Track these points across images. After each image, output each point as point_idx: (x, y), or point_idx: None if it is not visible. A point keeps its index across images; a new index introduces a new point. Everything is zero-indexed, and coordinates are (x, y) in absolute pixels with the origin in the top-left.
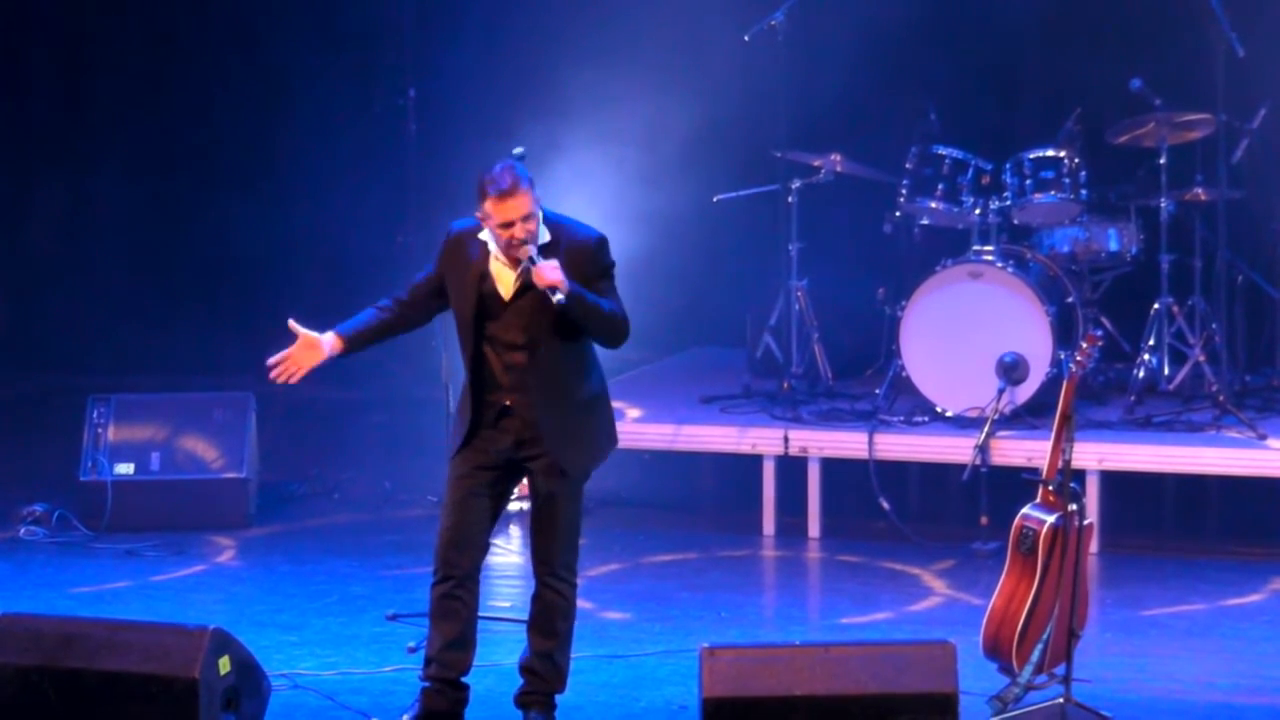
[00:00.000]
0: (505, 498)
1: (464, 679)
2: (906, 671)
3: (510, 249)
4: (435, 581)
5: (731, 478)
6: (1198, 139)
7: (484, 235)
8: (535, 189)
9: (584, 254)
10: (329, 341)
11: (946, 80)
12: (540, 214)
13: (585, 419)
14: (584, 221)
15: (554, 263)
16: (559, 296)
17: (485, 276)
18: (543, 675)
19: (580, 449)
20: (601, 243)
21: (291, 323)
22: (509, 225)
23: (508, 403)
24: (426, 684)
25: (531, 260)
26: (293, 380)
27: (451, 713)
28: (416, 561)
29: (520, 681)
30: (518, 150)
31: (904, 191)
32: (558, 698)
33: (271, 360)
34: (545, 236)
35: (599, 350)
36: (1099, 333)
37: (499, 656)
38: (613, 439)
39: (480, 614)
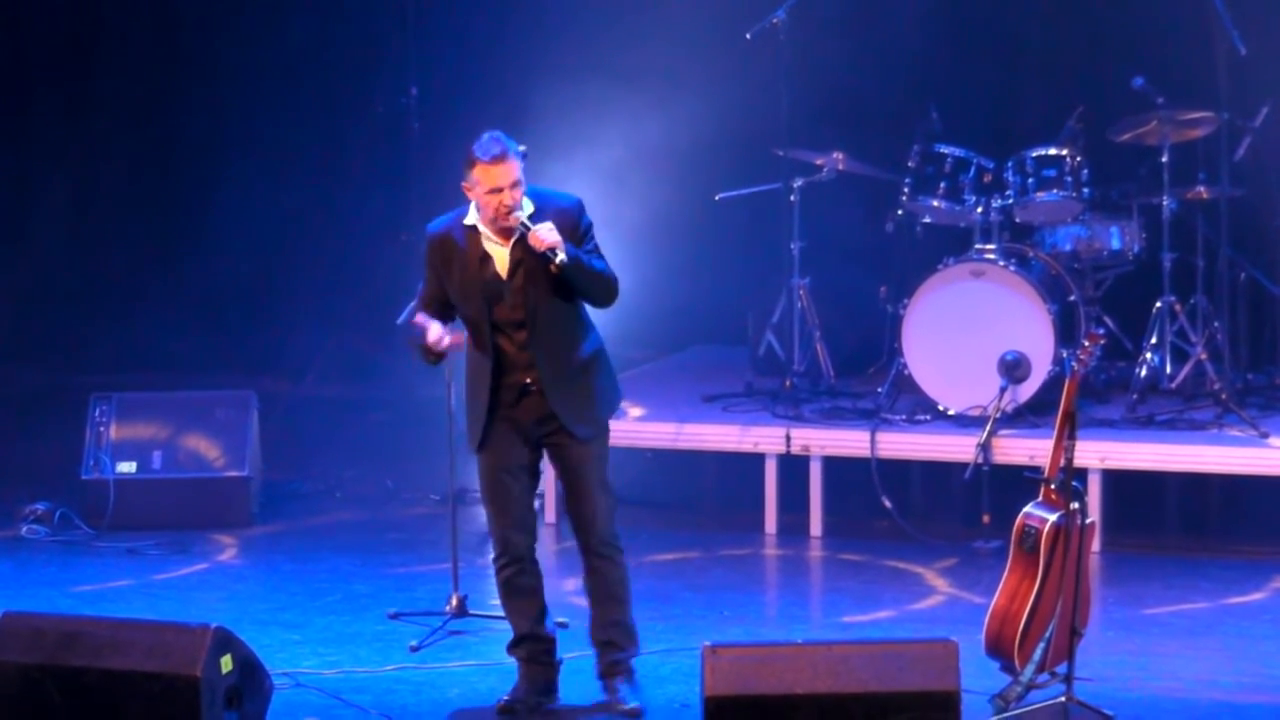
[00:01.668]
0: (538, 474)
1: (556, 642)
2: (908, 670)
3: (499, 218)
4: (502, 565)
5: (733, 476)
6: (1200, 137)
7: (469, 219)
8: (523, 160)
9: (568, 219)
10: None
11: (948, 78)
12: (525, 185)
13: (586, 379)
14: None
15: (549, 224)
16: (561, 257)
17: (485, 260)
18: (618, 643)
19: (586, 409)
20: (580, 206)
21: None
22: (497, 191)
23: (528, 380)
24: (527, 659)
25: (525, 226)
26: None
27: (551, 685)
28: (419, 560)
29: (595, 653)
30: (521, 148)
31: (906, 190)
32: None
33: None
34: (529, 208)
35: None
36: (1101, 331)
37: (499, 656)
38: (617, 393)
39: (479, 613)
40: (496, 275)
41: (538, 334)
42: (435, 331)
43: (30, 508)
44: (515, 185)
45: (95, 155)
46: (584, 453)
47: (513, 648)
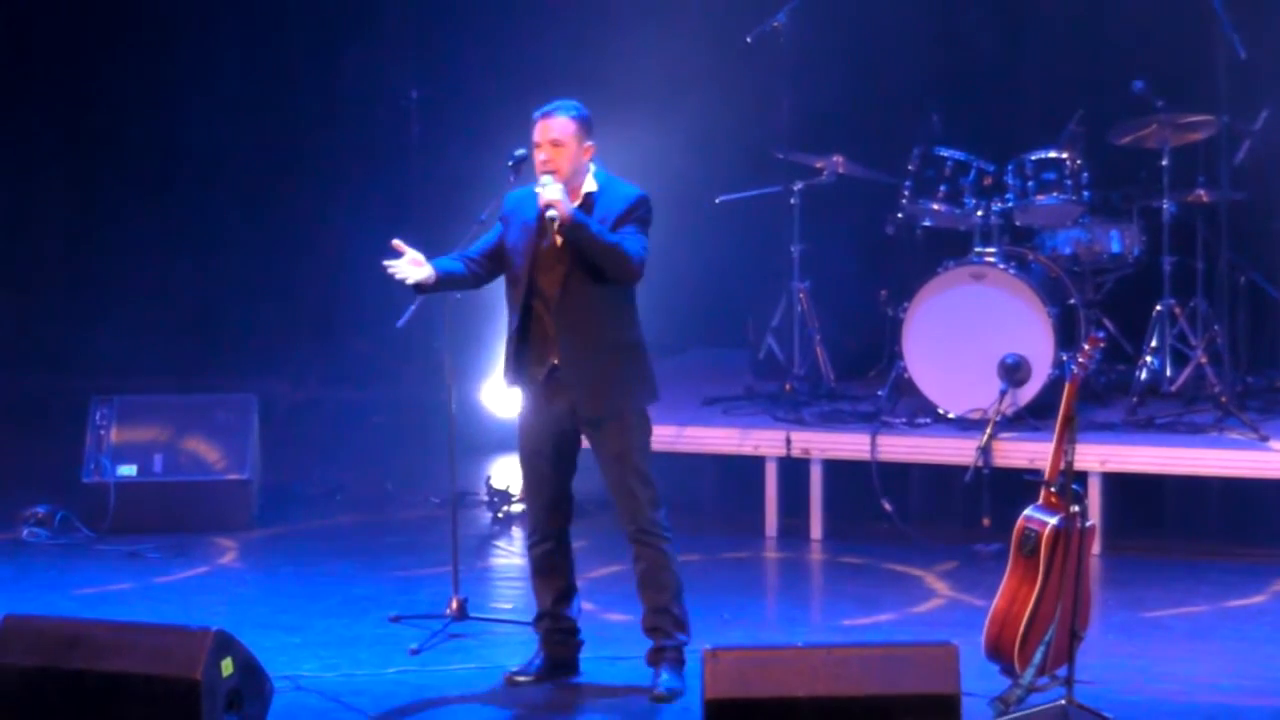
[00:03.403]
0: (574, 457)
1: (578, 625)
2: (909, 673)
3: (539, 172)
4: (533, 543)
5: (734, 479)
6: (1200, 140)
7: (538, 187)
8: (587, 133)
9: (619, 205)
10: (429, 270)
11: (949, 81)
12: (577, 155)
13: (609, 364)
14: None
15: (559, 187)
16: (551, 213)
17: (543, 228)
18: (665, 630)
19: (602, 392)
20: (639, 200)
21: (396, 241)
22: (538, 145)
23: (555, 361)
24: (544, 635)
25: (542, 185)
26: (408, 281)
27: (571, 659)
28: (419, 563)
29: (648, 643)
30: (519, 152)
31: (906, 193)
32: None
33: (386, 262)
34: (592, 186)
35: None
36: (1101, 334)
37: (500, 658)
38: (649, 387)
39: (480, 616)
40: (550, 244)
41: (566, 308)
42: (396, 265)
43: (31, 511)
44: (555, 144)
45: (95, 158)
46: (608, 440)
47: (535, 622)
